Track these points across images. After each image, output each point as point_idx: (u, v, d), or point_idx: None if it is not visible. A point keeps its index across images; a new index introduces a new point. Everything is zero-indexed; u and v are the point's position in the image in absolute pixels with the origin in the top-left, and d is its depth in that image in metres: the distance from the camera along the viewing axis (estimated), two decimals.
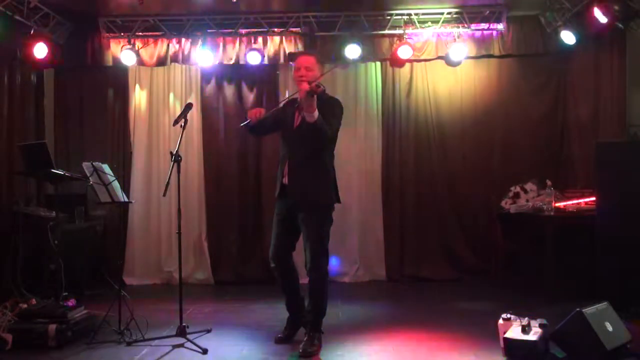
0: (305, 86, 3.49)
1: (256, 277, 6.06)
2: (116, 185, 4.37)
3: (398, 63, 6.23)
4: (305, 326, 3.85)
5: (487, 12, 6.00)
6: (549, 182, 5.31)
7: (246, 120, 3.83)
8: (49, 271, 4.63)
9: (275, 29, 6.05)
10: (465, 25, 6.05)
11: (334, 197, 3.85)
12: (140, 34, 6.12)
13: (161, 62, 6.19)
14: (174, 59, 6.17)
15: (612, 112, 5.74)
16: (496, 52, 6.14)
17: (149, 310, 4.55)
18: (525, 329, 3.48)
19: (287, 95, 3.73)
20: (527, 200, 5.60)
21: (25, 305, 4.13)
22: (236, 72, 6.30)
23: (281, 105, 4.01)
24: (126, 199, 4.68)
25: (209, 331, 4.21)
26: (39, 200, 5.89)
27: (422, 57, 6.21)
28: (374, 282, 6.17)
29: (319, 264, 3.75)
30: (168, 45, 6.16)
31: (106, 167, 4.36)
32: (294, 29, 6.03)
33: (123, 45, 6.02)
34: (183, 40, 6.14)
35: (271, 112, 3.90)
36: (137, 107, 6.39)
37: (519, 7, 5.95)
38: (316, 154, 3.73)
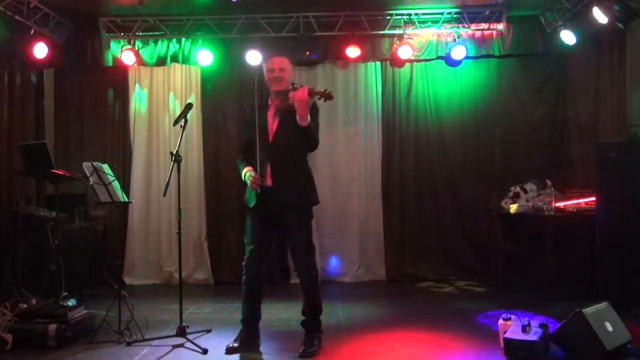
0: (304, 91, 3.45)
1: None
2: (116, 185, 4.37)
3: (398, 63, 6.25)
4: (304, 327, 3.83)
5: (487, 12, 6.00)
6: (549, 182, 5.31)
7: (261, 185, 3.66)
8: (49, 271, 4.63)
9: (275, 29, 6.05)
10: (465, 25, 6.05)
11: (316, 196, 3.85)
12: (141, 34, 6.12)
13: (161, 62, 6.19)
14: (174, 59, 6.18)
15: (612, 112, 5.73)
16: (496, 52, 6.14)
17: (149, 310, 4.55)
18: (525, 329, 3.48)
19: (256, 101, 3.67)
20: (527, 200, 5.59)
21: (25, 305, 4.13)
22: (236, 72, 6.30)
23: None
24: (126, 199, 4.68)
25: (209, 331, 4.21)
26: (39, 200, 5.88)
27: (422, 57, 6.21)
28: (374, 282, 6.17)
29: (309, 263, 3.77)
30: (168, 45, 6.16)
31: (106, 167, 4.36)
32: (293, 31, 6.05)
33: (123, 45, 6.03)
34: (183, 40, 6.14)
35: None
36: (137, 107, 6.39)
37: (519, 7, 5.95)
38: (300, 155, 3.74)
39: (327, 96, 3.48)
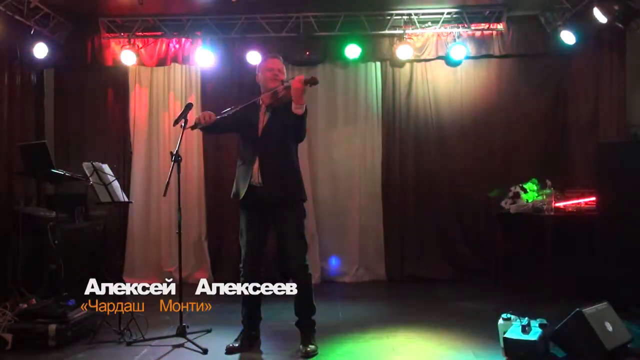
0: (300, 79, 3.49)
1: None
2: (116, 185, 4.37)
3: (398, 63, 6.25)
4: (300, 327, 3.82)
5: (487, 12, 6.01)
6: (549, 182, 5.30)
7: (195, 123, 3.80)
8: (49, 271, 4.63)
9: (275, 29, 6.05)
10: (465, 25, 6.05)
11: (304, 192, 3.86)
12: (140, 34, 6.13)
13: (161, 62, 6.20)
14: (174, 59, 6.18)
15: (612, 112, 5.73)
16: (496, 52, 6.15)
17: (149, 310, 4.54)
18: (525, 329, 3.48)
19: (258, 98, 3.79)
20: (527, 200, 5.59)
21: (25, 305, 4.13)
22: (236, 72, 6.29)
23: (239, 108, 3.85)
24: (126, 199, 4.68)
25: (209, 331, 4.22)
26: (39, 200, 5.88)
27: (422, 57, 6.22)
28: (374, 282, 6.17)
29: (304, 262, 3.76)
30: (168, 45, 6.17)
31: (106, 167, 4.36)
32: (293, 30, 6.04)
33: (123, 45, 6.04)
34: (183, 40, 6.14)
35: (231, 113, 3.82)
36: (137, 107, 6.39)
37: (519, 7, 5.96)
38: (288, 152, 3.75)
39: (312, 80, 3.54)
